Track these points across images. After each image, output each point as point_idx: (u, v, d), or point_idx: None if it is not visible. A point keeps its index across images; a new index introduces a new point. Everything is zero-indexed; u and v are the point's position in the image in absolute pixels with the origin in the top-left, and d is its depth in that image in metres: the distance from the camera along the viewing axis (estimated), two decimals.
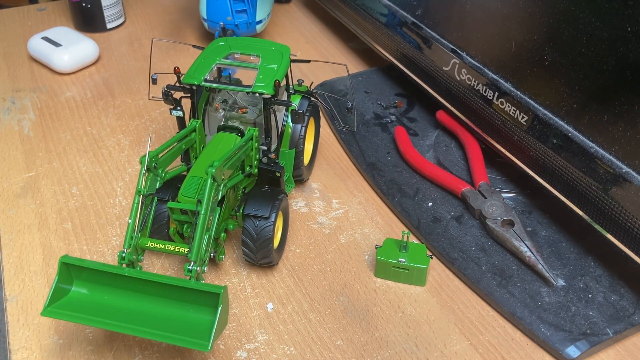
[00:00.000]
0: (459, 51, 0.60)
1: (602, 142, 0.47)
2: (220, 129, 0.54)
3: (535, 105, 0.52)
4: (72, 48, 0.78)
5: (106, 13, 0.86)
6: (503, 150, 0.57)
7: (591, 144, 0.48)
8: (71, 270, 0.43)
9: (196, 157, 0.54)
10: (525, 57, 0.52)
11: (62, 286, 0.43)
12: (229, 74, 0.57)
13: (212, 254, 0.48)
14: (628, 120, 0.44)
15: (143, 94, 0.75)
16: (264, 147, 0.53)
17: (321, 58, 0.83)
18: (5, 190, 0.61)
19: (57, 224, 0.57)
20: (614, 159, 0.46)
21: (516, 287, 0.50)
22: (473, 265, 0.52)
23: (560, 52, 0.49)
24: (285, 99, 0.57)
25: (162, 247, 0.46)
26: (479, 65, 0.57)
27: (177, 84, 0.53)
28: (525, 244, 0.52)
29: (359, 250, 0.55)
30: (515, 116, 0.54)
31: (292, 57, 0.66)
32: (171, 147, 0.49)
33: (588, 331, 0.47)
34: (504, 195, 0.58)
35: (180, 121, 0.56)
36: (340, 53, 0.84)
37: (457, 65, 0.60)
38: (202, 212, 0.44)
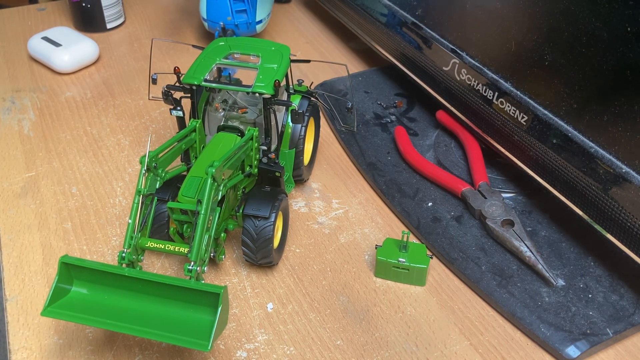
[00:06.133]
0: (459, 51, 0.60)
1: (602, 142, 0.47)
2: (220, 129, 0.54)
3: (535, 105, 0.52)
4: (72, 48, 0.78)
5: (106, 13, 0.86)
6: (503, 150, 0.57)
7: (591, 144, 0.48)
8: (71, 270, 0.43)
9: (196, 157, 0.54)
10: (525, 57, 0.52)
11: (62, 286, 0.43)
12: (229, 74, 0.58)
13: (212, 254, 0.48)
14: (628, 120, 0.44)
15: (143, 94, 0.75)
16: (264, 147, 0.53)
17: (321, 58, 0.83)
18: (5, 190, 0.61)
19: (57, 224, 0.57)
20: (614, 159, 0.46)
21: (516, 287, 0.50)
22: (473, 265, 0.52)
23: (560, 52, 0.49)
24: (285, 99, 0.57)
25: (162, 247, 0.46)
26: (479, 65, 0.57)
27: (177, 84, 0.53)
28: (525, 244, 0.52)
29: (359, 250, 0.55)
30: (515, 116, 0.54)
31: (292, 57, 0.66)
32: (171, 147, 0.49)
33: (588, 331, 0.47)
34: (504, 195, 0.58)
35: (180, 121, 0.56)
36: (340, 53, 0.84)
37: (457, 65, 0.60)
38: (202, 212, 0.44)
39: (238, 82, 0.54)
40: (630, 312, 0.48)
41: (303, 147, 0.57)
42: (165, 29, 0.89)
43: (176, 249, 0.46)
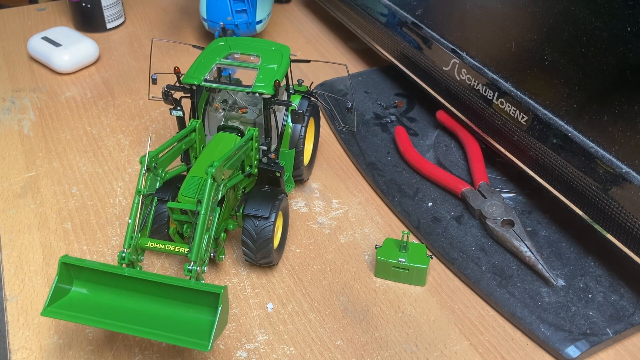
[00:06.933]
0: (459, 51, 0.60)
1: (602, 142, 0.47)
2: (220, 129, 0.54)
3: (535, 105, 0.52)
4: (72, 48, 0.78)
5: (106, 13, 0.86)
6: (503, 150, 0.57)
7: (591, 144, 0.48)
8: (71, 270, 0.43)
9: (196, 157, 0.54)
10: (525, 57, 0.52)
11: (62, 286, 0.43)
12: (229, 74, 0.58)
13: (212, 254, 0.48)
14: (628, 120, 0.44)
15: (143, 94, 0.75)
16: (264, 147, 0.53)
17: (321, 58, 0.83)
18: (5, 190, 0.61)
19: (57, 224, 0.57)
20: (614, 159, 0.46)
21: (516, 287, 0.50)
22: (473, 265, 0.52)
23: (560, 52, 0.49)
24: (285, 99, 0.57)
25: (162, 247, 0.46)
26: (479, 65, 0.57)
27: (177, 84, 0.53)
28: (525, 244, 0.52)
29: (359, 250, 0.55)
30: (515, 116, 0.54)
31: (292, 57, 0.66)
32: (171, 147, 0.49)
33: (588, 331, 0.47)
34: (504, 195, 0.58)
35: (180, 121, 0.56)
36: (340, 53, 0.84)
37: (457, 65, 0.60)
38: (202, 212, 0.44)
39: (238, 82, 0.54)
40: (630, 312, 0.48)
41: (303, 147, 0.57)
42: (165, 29, 0.89)
43: (176, 249, 0.46)
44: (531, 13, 0.50)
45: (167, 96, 0.53)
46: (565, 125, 0.50)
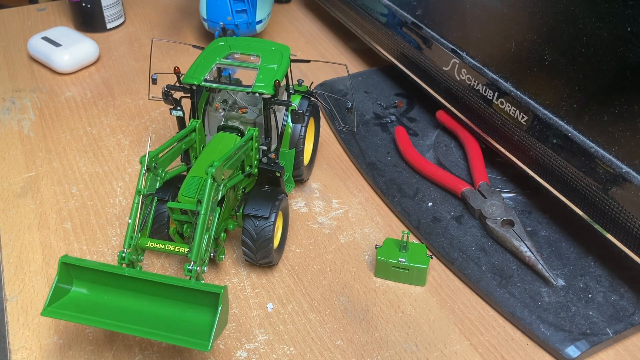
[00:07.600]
0: (459, 51, 0.60)
1: (602, 142, 0.47)
2: (220, 129, 0.54)
3: (535, 105, 0.52)
4: (72, 48, 0.78)
5: (106, 13, 0.86)
6: (503, 150, 0.57)
7: (591, 144, 0.48)
8: (71, 270, 0.43)
9: (196, 157, 0.54)
10: (525, 57, 0.52)
11: (62, 286, 0.43)
12: (229, 74, 0.58)
13: (212, 254, 0.48)
14: (628, 120, 0.44)
15: (143, 94, 0.75)
16: (264, 147, 0.53)
17: (321, 58, 0.83)
18: (5, 190, 0.61)
19: (57, 224, 0.57)
20: (614, 159, 0.46)
21: (516, 287, 0.50)
22: (473, 265, 0.52)
23: (560, 52, 0.49)
24: (285, 99, 0.57)
25: (162, 247, 0.46)
26: (479, 65, 0.57)
27: (177, 84, 0.53)
28: (525, 244, 0.52)
29: (359, 250, 0.55)
30: (515, 116, 0.54)
31: (292, 57, 0.66)
32: (171, 147, 0.49)
33: (588, 331, 0.47)
34: (504, 195, 0.58)
35: (180, 121, 0.56)
36: (340, 53, 0.84)
37: (457, 65, 0.60)
38: (202, 212, 0.44)
39: (238, 82, 0.54)
40: (630, 312, 0.48)
41: (303, 147, 0.57)
42: (165, 29, 0.89)
43: (176, 249, 0.46)
44: (531, 13, 0.50)
45: (167, 96, 0.53)
46: (565, 125, 0.50)
